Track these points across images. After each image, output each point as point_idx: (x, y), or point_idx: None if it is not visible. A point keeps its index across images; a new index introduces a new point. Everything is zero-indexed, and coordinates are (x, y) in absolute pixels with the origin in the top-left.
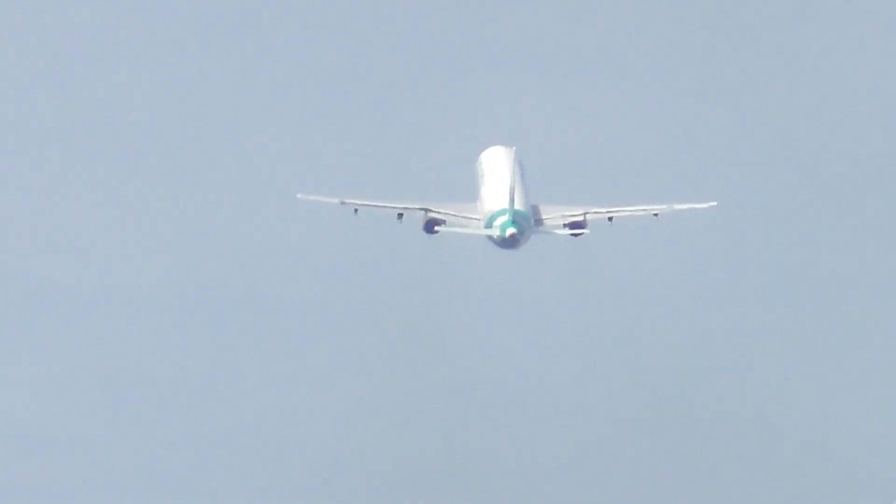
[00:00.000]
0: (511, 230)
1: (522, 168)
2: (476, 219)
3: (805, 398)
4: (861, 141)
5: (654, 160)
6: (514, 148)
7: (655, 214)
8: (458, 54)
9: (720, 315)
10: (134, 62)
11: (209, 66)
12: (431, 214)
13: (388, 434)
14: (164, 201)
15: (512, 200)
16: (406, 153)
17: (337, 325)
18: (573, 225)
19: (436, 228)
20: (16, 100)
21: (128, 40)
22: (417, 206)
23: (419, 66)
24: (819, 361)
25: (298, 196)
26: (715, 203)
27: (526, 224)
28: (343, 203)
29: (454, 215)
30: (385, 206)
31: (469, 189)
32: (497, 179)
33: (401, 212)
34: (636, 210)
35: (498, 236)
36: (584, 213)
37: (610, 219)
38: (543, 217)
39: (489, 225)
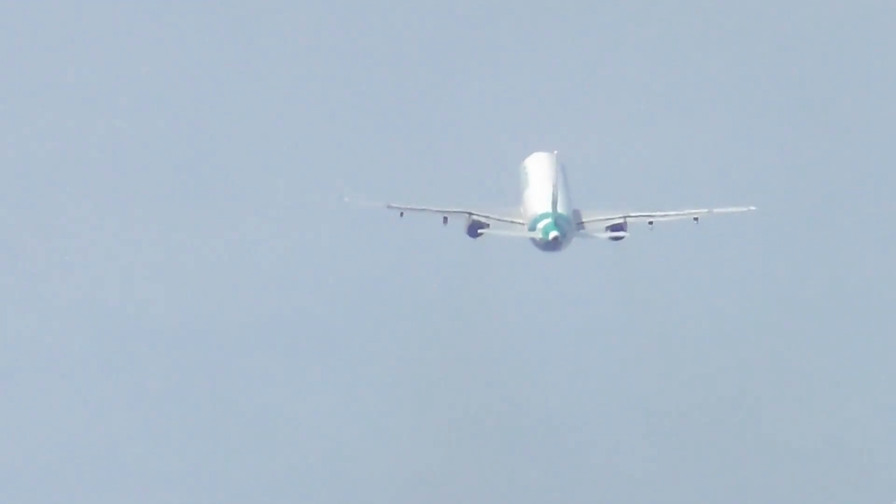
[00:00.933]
0: (554, 233)
1: (565, 173)
2: (520, 222)
3: (838, 400)
4: None
5: (694, 165)
6: (556, 153)
7: (696, 219)
8: (505, 63)
9: (757, 318)
10: (167, 78)
11: (254, 73)
12: (475, 218)
13: (428, 436)
14: (209, 207)
15: (555, 204)
16: (451, 158)
17: (382, 327)
18: (614, 228)
19: (479, 231)
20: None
21: (160, 60)
22: (462, 210)
23: (467, 74)
24: (856, 365)
25: (345, 199)
26: (754, 207)
27: (568, 227)
28: (389, 207)
29: (498, 219)
30: (430, 210)
31: (513, 194)
32: (540, 184)
33: (446, 215)
34: (676, 214)
35: (541, 239)
36: (625, 217)
37: (650, 223)
38: (585, 221)
39: (532, 228)
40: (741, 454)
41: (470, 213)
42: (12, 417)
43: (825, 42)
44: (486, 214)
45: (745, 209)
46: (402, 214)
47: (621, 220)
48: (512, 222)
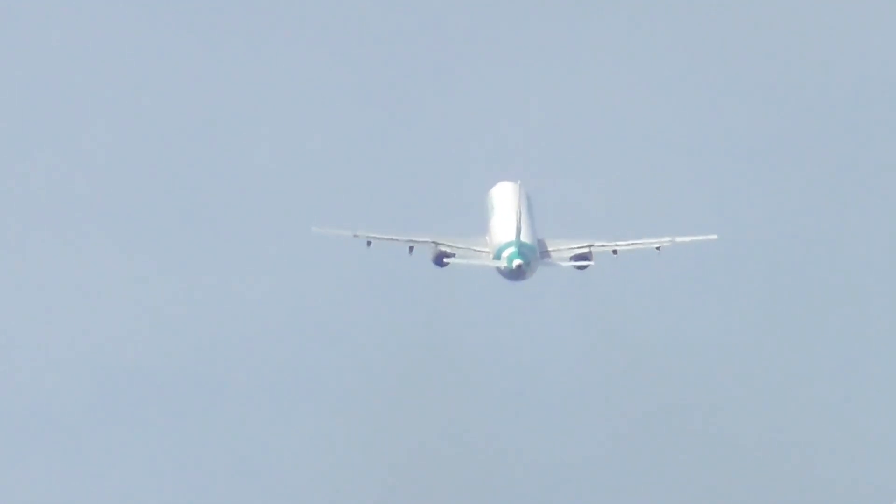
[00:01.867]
0: (517, 261)
1: (531, 202)
2: (485, 251)
3: (805, 423)
4: (864, 175)
5: (656, 195)
6: (520, 182)
7: (658, 248)
8: (471, 92)
9: (721, 345)
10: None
11: (221, 98)
12: (441, 247)
13: (393, 462)
14: (178, 234)
15: (518, 233)
16: (418, 187)
17: (349, 354)
18: (578, 257)
19: (445, 260)
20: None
21: (146, 79)
22: (428, 239)
23: (433, 103)
24: (818, 388)
25: (314, 229)
26: (715, 236)
27: (532, 256)
28: (356, 236)
29: (463, 248)
30: (397, 240)
31: (480, 223)
32: (505, 213)
33: (412, 245)
34: (639, 243)
35: (505, 267)
36: (590, 247)
37: (614, 252)
38: (550, 250)
39: (497, 257)
40: (706, 480)
41: (436, 243)
42: None
43: (785, 72)
44: (452, 243)
45: (706, 238)
46: (369, 244)
47: (586, 250)
48: (478, 251)
